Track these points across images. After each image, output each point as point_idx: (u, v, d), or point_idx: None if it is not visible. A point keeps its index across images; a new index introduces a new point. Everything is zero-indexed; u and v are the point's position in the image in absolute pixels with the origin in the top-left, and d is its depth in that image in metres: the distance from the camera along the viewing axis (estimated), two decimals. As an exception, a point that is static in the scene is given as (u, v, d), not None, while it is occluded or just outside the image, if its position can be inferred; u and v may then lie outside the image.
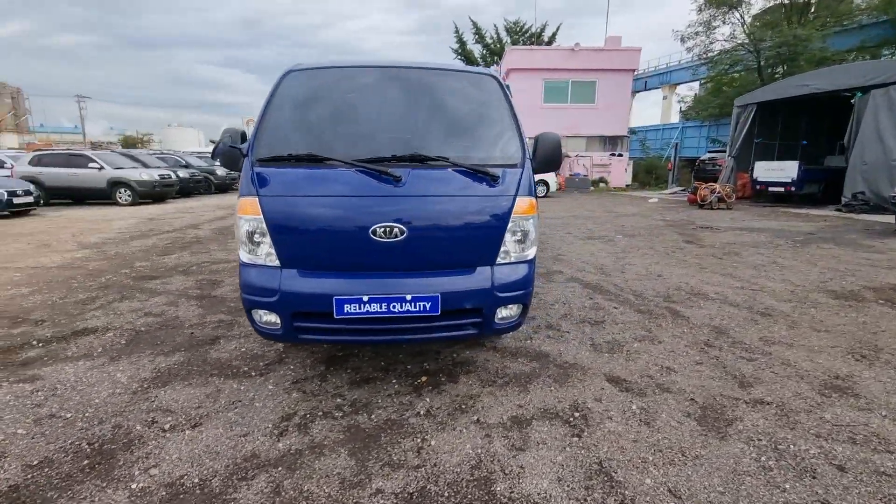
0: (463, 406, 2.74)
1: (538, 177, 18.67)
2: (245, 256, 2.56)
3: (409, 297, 2.44)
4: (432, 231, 2.52)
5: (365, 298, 2.41)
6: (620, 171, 24.46)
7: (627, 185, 24.57)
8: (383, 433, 2.47)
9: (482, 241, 2.60)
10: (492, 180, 2.62)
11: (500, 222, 2.60)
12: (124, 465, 2.20)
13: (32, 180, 12.58)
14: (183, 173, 16.77)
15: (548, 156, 2.89)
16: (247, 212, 2.50)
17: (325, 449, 2.33)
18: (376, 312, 2.44)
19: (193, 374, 3.13)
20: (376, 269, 2.52)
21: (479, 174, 2.60)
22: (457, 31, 32.54)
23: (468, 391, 2.91)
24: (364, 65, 3.06)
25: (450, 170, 2.60)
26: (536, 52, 25.09)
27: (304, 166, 2.56)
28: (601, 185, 23.69)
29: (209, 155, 24.05)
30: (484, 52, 32.71)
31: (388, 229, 2.43)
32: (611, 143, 25.33)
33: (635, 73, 26.94)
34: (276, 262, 2.52)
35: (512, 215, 2.63)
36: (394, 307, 2.44)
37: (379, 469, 2.18)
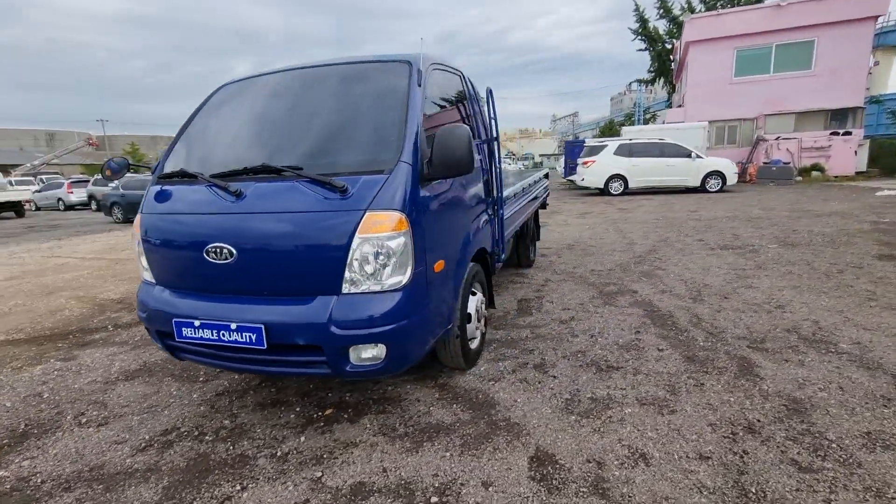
0: (325, 455, 2.33)
1: (713, 167, 15.59)
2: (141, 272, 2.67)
3: (233, 326, 2.17)
4: (263, 253, 2.19)
5: (196, 323, 2.24)
6: (846, 155, 18.56)
7: (859, 173, 18.51)
8: (220, 469, 2.27)
9: (320, 265, 2.15)
10: (340, 192, 2.15)
11: (340, 242, 2.11)
12: (19, 451, 2.51)
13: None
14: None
15: (448, 156, 2.25)
16: (136, 228, 2.59)
17: (152, 475, 2.24)
18: (209, 339, 2.24)
19: (157, 372, 3.43)
20: (211, 293, 2.33)
21: (327, 185, 2.16)
22: (637, 9, 29.39)
23: (353, 437, 2.48)
24: (278, 70, 2.89)
25: (297, 182, 2.22)
26: (727, 16, 20.83)
27: (177, 183, 2.53)
28: (814, 173, 18.36)
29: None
30: (670, 26, 28.75)
31: (218, 250, 2.21)
32: (837, 118, 19.45)
33: (880, 21, 20.07)
34: (153, 279, 2.55)
35: (358, 234, 2.10)
36: (222, 335, 2.21)
37: (167, 513, 2.00)
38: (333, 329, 2.11)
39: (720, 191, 15.36)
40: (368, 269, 2.13)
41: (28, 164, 39.33)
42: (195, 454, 2.40)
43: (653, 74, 31.55)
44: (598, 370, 3.12)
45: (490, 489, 2.04)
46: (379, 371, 2.24)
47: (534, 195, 5.52)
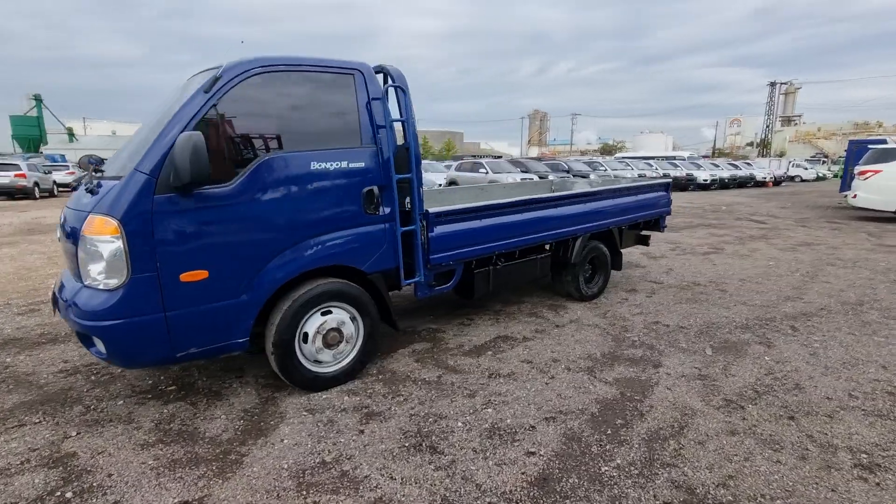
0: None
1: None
2: None
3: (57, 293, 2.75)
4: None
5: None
6: None
7: None
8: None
9: (74, 256, 2.46)
10: (92, 193, 2.41)
11: (75, 238, 2.39)
12: None
13: (453, 182, 17.73)
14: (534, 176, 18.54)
15: (179, 165, 2.24)
16: None
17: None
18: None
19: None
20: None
21: (95, 188, 2.45)
22: None
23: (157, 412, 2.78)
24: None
25: (99, 182, 2.56)
26: None
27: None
28: None
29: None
30: None
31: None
32: None
33: None
34: None
35: (82, 233, 2.33)
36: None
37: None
38: (71, 314, 2.44)
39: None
40: (89, 266, 2.35)
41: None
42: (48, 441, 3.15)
43: None
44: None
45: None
46: (110, 362, 2.46)
47: (550, 213, 4.31)
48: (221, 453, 2.42)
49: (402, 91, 3.19)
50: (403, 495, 2.11)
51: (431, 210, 3.36)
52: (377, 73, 3.31)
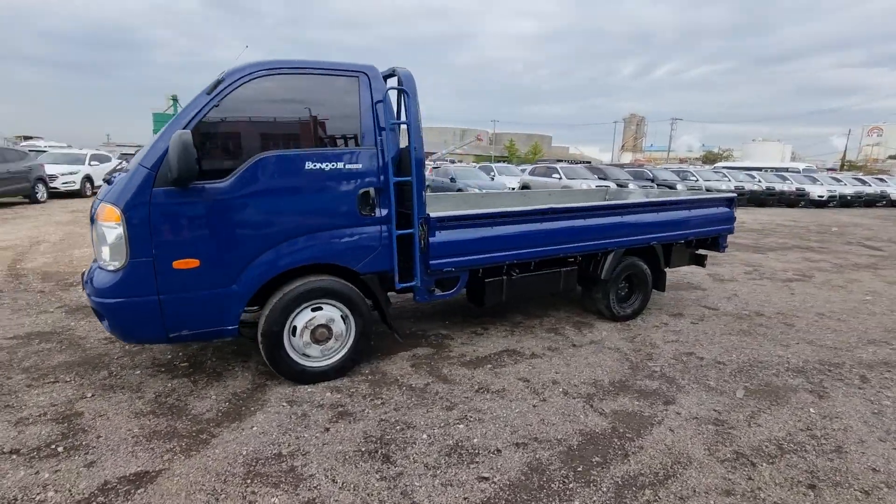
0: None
1: None
2: None
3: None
4: None
5: None
6: None
7: None
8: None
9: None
10: (108, 184, 2.70)
11: (92, 227, 2.70)
12: None
13: (525, 186, 17.42)
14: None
15: (171, 159, 2.43)
16: None
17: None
18: None
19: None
20: None
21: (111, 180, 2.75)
22: None
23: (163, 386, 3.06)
24: None
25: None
26: None
27: None
28: None
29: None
30: None
31: None
32: None
33: None
34: None
35: (95, 218, 2.63)
36: None
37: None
38: (87, 291, 2.76)
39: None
40: (100, 249, 2.63)
41: (437, 154, 53.83)
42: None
43: None
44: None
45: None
46: (113, 335, 2.75)
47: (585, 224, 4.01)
48: (196, 431, 2.58)
49: (406, 94, 3.17)
50: (336, 500, 2.10)
51: (433, 214, 3.30)
52: (388, 76, 3.33)
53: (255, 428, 2.63)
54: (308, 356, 3.10)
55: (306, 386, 3.10)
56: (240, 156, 2.79)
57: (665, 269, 4.75)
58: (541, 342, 3.99)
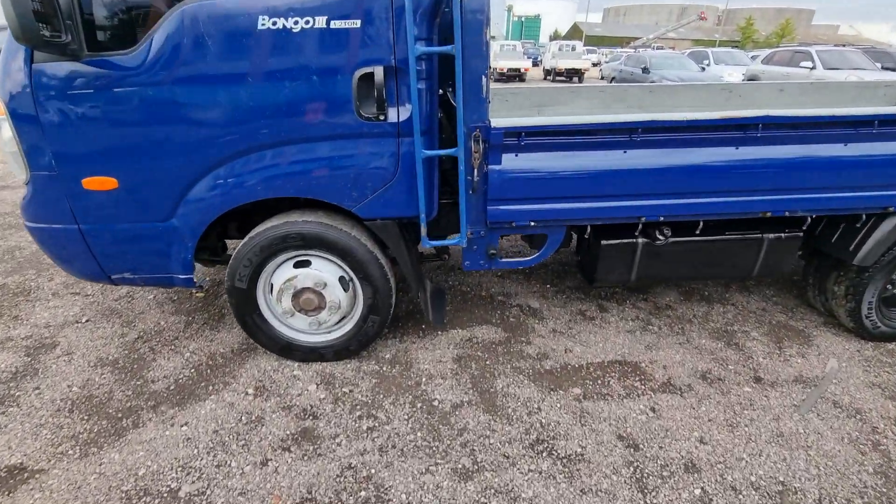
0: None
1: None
2: None
3: None
4: None
5: None
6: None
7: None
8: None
9: None
10: None
11: None
12: None
13: (753, 79, 12.89)
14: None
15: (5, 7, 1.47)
16: None
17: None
18: None
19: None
20: None
21: None
22: None
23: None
24: None
25: None
26: None
27: None
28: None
29: None
30: None
31: None
32: None
33: None
34: None
35: None
36: None
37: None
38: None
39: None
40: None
41: (644, 38, 44.92)
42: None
43: None
44: None
45: None
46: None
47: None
48: (121, 415, 1.92)
49: None
50: None
51: (499, 123, 1.78)
52: None
53: (184, 428, 1.85)
54: (293, 328, 2.16)
55: (294, 365, 2.21)
56: (150, 9, 1.68)
57: None
58: (691, 357, 2.30)
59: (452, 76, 1.71)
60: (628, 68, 14.10)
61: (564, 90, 3.34)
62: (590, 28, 64.06)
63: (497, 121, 1.78)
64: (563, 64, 20.46)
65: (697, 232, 2.18)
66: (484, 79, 1.73)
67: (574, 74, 21.28)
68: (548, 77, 22.09)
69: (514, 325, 2.56)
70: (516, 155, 1.86)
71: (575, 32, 62.09)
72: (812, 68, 11.33)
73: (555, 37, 60.92)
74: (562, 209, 1.95)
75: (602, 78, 25.11)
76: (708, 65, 14.29)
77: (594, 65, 27.12)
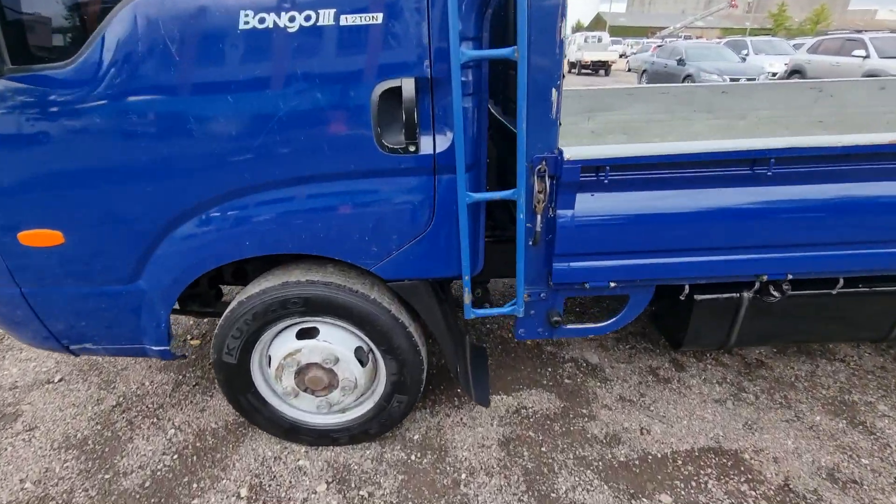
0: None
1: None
2: None
3: None
4: None
5: None
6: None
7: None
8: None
9: None
10: None
11: None
12: None
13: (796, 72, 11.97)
14: None
15: None
16: None
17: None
18: None
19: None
20: None
21: None
22: None
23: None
24: None
25: None
26: None
27: None
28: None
29: None
30: None
31: None
32: None
33: None
34: None
35: None
36: None
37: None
38: None
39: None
40: None
41: (671, 27, 43.26)
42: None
43: None
44: None
45: None
46: None
47: None
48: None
49: None
50: None
51: (573, 154, 1.28)
52: None
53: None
54: (299, 408, 1.71)
55: (301, 450, 1.76)
56: (95, 6, 1.22)
57: None
58: (807, 444, 1.77)
59: (502, 90, 1.22)
60: (661, 60, 13.29)
61: (618, 92, 2.83)
62: (613, 18, 62.25)
63: (570, 150, 1.28)
64: (590, 56, 19.69)
65: (824, 284, 1.64)
66: (555, 92, 1.23)
67: (601, 67, 20.51)
68: (573, 70, 21.36)
69: (570, 390, 2.07)
70: (593, 195, 1.36)
71: (598, 23, 60.40)
72: (866, 57, 10.42)
73: (577, 28, 59.39)
74: (655, 265, 1.44)
75: (629, 70, 24.19)
76: (747, 55, 13.39)
77: (621, 56, 26.22)
